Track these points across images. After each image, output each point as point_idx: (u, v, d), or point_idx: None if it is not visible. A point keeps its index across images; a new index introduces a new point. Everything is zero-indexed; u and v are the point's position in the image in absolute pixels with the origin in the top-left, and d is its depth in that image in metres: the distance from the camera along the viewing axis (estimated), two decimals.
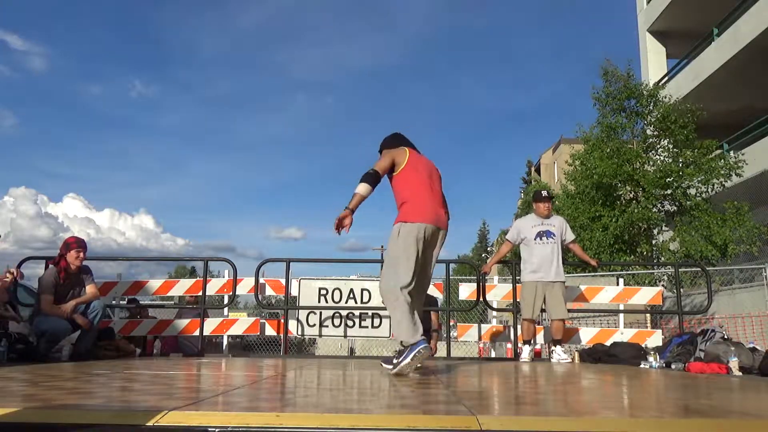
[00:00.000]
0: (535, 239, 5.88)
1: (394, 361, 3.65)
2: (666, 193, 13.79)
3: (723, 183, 13.42)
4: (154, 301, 9.99)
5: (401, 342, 3.66)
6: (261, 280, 6.74)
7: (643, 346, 6.04)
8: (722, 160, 13.55)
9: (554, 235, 5.86)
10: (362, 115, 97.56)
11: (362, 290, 6.80)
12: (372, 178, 3.84)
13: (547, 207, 5.97)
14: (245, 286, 6.78)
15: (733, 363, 4.48)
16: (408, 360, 3.54)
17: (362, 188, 3.80)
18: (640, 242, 13.89)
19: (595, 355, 5.79)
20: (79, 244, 5.36)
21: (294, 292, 6.78)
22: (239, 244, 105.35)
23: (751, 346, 4.96)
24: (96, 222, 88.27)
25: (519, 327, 6.15)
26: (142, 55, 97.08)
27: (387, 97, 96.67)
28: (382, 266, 4.08)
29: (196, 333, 6.55)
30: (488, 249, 55.85)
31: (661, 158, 14.29)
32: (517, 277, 6.21)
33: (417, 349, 3.54)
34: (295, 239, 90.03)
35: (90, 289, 5.44)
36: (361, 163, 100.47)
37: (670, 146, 14.34)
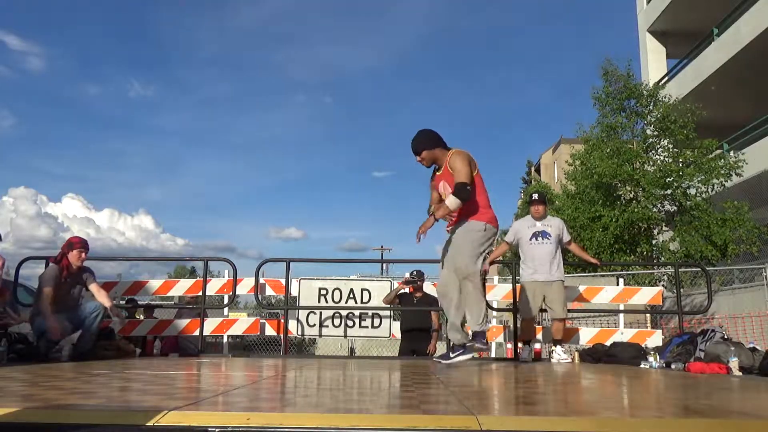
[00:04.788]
0: (530, 239, 5.89)
1: (451, 355, 4.23)
2: (666, 193, 13.80)
3: (723, 183, 13.43)
4: (154, 301, 9.99)
5: (470, 329, 4.24)
6: (261, 280, 6.73)
7: (643, 346, 6.03)
8: (722, 160, 13.56)
9: (550, 235, 5.85)
10: (361, 116, 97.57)
11: (362, 290, 6.80)
12: (468, 194, 4.11)
13: (537, 210, 5.96)
14: (245, 286, 6.77)
15: (733, 363, 4.48)
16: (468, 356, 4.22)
17: (454, 204, 4.08)
18: (640, 242, 13.90)
19: (595, 355, 5.79)
20: (82, 245, 5.38)
21: (294, 292, 6.78)
22: (239, 244, 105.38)
23: (751, 346, 4.95)
24: (96, 222, 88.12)
25: (519, 327, 6.15)
26: (141, 56, 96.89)
27: (386, 98, 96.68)
28: (449, 256, 4.40)
29: (196, 333, 6.55)
30: None
31: (661, 158, 14.30)
32: (517, 277, 6.20)
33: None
34: (295, 239, 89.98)
35: (95, 288, 5.47)
36: (360, 163, 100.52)
37: (670, 146, 14.35)
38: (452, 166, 4.20)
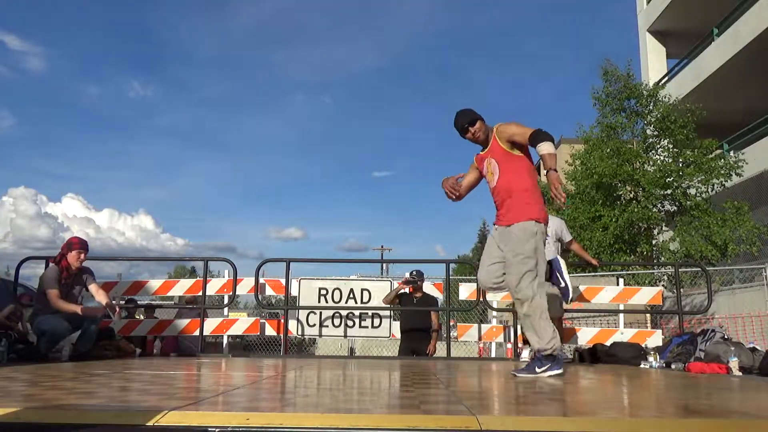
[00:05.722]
0: None
1: (537, 369, 3.62)
2: (666, 193, 13.80)
3: (723, 183, 13.43)
4: (154, 301, 9.99)
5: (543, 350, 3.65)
6: (261, 280, 6.73)
7: (643, 346, 6.03)
8: (722, 160, 13.56)
9: (547, 236, 5.83)
10: (360, 115, 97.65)
11: (362, 290, 6.79)
12: (548, 134, 3.60)
13: None
14: (245, 286, 6.77)
15: (733, 363, 4.48)
16: (558, 371, 3.62)
17: (551, 148, 3.57)
18: (640, 242, 13.90)
19: (595, 355, 5.79)
20: (81, 245, 5.39)
21: (294, 292, 6.78)
22: (239, 244, 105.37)
23: (751, 346, 4.96)
24: (95, 222, 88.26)
25: (519, 327, 6.15)
26: (141, 56, 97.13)
27: (385, 97, 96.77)
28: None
29: (196, 333, 6.55)
30: None
31: (661, 158, 14.30)
32: None
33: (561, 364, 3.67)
34: (295, 239, 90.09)
35: (94, 288, 5.47)
36: (360, 162, 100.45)
37: (670, 146, 14.35)
38: (511, 132, 3.79)
